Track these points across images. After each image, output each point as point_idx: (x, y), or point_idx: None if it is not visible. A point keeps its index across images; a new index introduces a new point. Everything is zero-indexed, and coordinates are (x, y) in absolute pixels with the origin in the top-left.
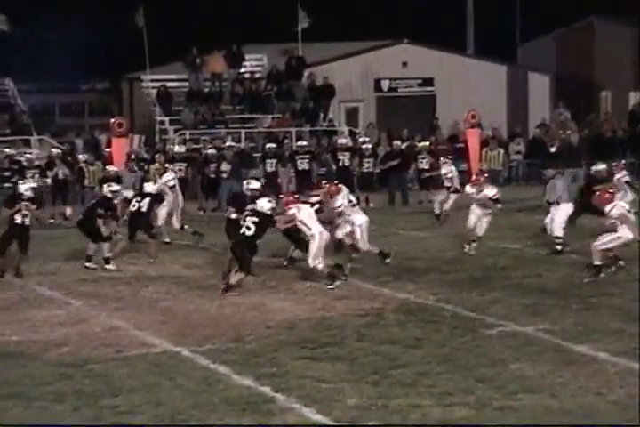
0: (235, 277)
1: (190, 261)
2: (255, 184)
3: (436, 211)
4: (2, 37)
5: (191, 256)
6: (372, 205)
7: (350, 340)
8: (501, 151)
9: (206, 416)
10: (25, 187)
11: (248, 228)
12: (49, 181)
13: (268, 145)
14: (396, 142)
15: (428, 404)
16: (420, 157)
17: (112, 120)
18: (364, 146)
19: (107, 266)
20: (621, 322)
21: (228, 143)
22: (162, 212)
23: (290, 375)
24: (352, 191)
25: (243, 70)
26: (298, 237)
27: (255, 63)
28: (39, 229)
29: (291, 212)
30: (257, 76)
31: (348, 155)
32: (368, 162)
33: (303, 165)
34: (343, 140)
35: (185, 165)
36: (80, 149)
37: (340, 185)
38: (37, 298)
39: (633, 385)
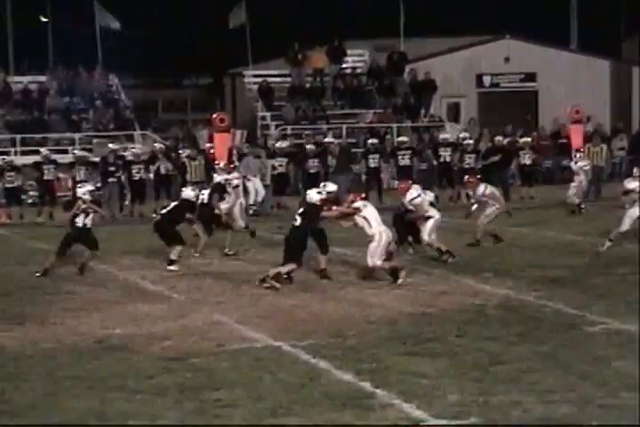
0: (283, 268)
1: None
2: (332, 187)
3: (576, 201)
4: (107, 35)
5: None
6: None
7: (451, 336)
8: (604, 147)
9: (307, 411)
10: (83, 190)
11: (295, 219)
12: (152, 176)
13: (370, 140)
14: (498, 138)
15: (529, 401)
16: (521, 152)
17: (214, 115)
18: (465, 142)
19: (169, 267)
20: None
21: (326, 139)
22: (222, 207)
23: (390, 371)
24: (452, 187)
25: (344, 66)
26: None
27: (357, 59)
28: (142, 224)
29: (356, 204)
30: (358, 71)
31: (449, 150)
32: (469, 158)
33: (404, 160)
34: (445, 136)
35: (286, 160)
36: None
37: (409, 182)
38: (140, 292)
39: None
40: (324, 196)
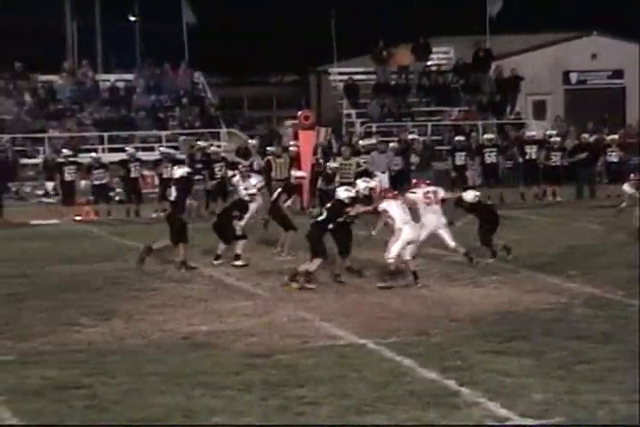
0: (309, 265)
1: (372, 255)
2: (372, 184)
3: None
4: (192, 32)
5: (375, 250)
6: (559, 198)
7: (536, 334)
8: None
9: (391, 409)
10: (180, 172)
11: (321, 214)
12: (230, 173)
13: (456, 138)
14: (585, 135)
15: (616, 400)
16: (608, 150)
17: (299, 113)
18: (551, 139)
19: (235, 262)
20: None
21: (410, 136)
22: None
23: (475, 369)
24: (537, 184)
25: (430, 63)
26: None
27: (442, 56)
28: None
29: (380, 206)
30: (444, 68)
31: (535, 148)
32: (555, 155)
33: (490, 158)
34: (531, 133)
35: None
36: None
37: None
38: (226, 289)
39: None
40: (352, 194)
